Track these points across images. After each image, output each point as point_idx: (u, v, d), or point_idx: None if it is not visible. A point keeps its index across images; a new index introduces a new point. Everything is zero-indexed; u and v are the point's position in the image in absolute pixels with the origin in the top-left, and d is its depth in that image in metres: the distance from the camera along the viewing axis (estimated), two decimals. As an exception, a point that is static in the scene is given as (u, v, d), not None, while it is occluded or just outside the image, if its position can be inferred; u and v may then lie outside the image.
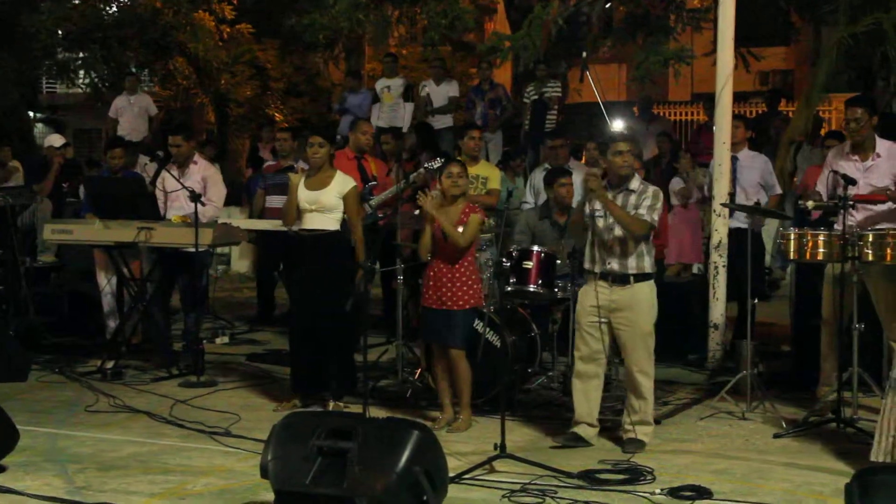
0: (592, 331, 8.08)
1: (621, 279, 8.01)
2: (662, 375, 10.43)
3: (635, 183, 8.10)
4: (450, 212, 8.66)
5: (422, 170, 10.32)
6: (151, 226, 10.46)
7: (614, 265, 8.03)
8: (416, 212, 9.69)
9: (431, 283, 8.71)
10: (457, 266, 8.63)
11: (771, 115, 17.88)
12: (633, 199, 8.04)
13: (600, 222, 8.05)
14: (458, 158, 9.83)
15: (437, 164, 10.01)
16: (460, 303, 8.61)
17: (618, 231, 7.99)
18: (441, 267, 8.68)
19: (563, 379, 9.63)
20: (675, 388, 10.17)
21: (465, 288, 8.62)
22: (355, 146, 11.49)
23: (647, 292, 8.07)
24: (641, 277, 8.04)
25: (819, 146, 14.24)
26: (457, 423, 8.67)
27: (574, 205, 8.34)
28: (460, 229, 8.57)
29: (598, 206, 8.01)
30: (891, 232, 8.51)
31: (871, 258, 8.53)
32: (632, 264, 8.01)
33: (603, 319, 8.03)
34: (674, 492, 6.96)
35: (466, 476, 7.26)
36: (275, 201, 12.35)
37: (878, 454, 7.33)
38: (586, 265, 8.22)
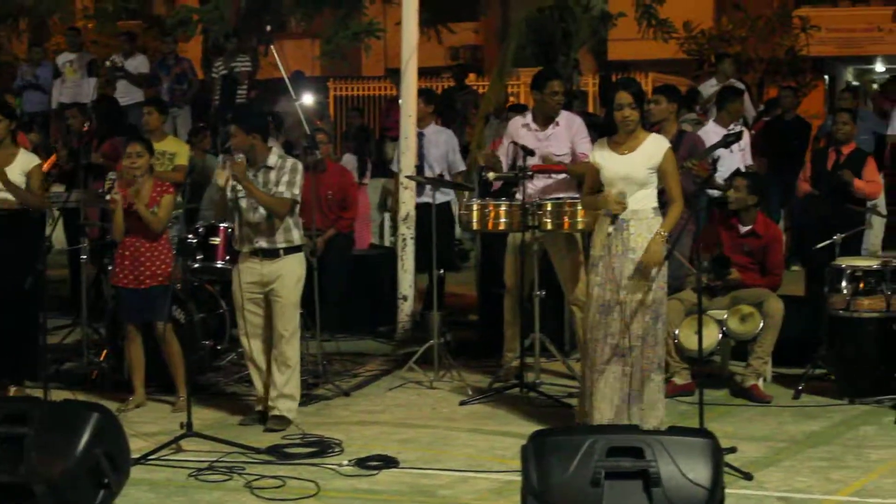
0: (250, 307, 8.09)
1: (271, 254, 8.05)
2: (353, 348, 10.57)
3: (273, 159, 8.11)
4: (140, 191, 8.52)
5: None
6: None
7: (262, 243, 8.05)
8: (101, 189, 9.45)
9: (127, 262, 8.57)
10: (154, 243, 8.55)
11: (458, 90, 18.13)
12: (272, 175, 8.06)
13: (244, 203, 8.05)
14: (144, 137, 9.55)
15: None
16: (160, 278, 8.51)
17: (262, 210, 8.01)
18: (138, 245, 8.55)
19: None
20: (366, 360, 10.25)
21: (162, 265, 8.56)
22: None
23: (295, 264, 8.14)
24: (291, 250, 8.10)
25: (504, 119, 14.52)
26: (180, 403, 8.42)
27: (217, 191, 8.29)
28: (153, 209, 8.48)
29: (240, 187, 8.00)
30: (568, 201, 8.80)
31: (549, 227, 8.80)
32: (280, 239, 8.06)
33: (258, 294, 8.07)
34: (361, 462, 7.07)
35: (152, 457, 7.18)
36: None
37: (581, 416, 7.58)
38: (236, 246, 8.23)
